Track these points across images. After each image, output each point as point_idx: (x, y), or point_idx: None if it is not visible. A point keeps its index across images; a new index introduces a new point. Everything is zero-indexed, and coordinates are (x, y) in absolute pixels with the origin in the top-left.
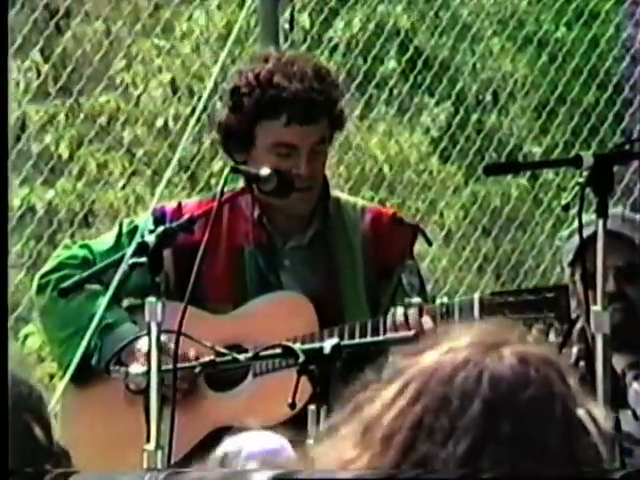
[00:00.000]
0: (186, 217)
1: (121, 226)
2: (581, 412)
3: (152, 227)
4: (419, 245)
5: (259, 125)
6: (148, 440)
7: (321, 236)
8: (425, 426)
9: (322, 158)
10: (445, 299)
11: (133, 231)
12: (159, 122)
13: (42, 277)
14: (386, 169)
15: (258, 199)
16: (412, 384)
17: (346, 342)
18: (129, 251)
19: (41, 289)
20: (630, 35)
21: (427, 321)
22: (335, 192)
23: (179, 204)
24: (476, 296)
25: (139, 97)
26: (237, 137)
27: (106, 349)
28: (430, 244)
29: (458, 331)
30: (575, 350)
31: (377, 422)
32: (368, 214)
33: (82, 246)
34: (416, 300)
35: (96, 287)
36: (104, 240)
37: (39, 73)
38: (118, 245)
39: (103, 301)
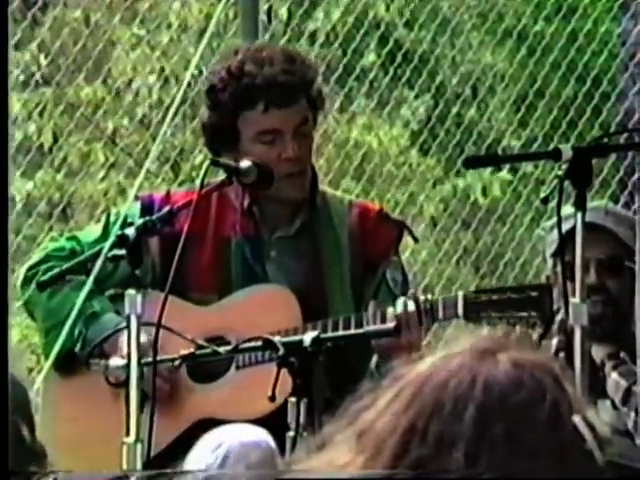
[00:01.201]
0: (166, 209)
1: (108, 216)
2: (577, 419)
3: (139, 215)
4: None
5: (240, 118)
6: (128, 433)
7: (308, 228)
8: (418, 431)
9: (307, 140)
10: (429, 296)
11: (124, 222)
12: (140, 113)
13: (29, 269)
14: (366, 162)
15: (248, 189)
16: (407, 389)
17: (326, 335)
18: (108, 243)
19: (27, 281)
20: (625, 29)
21: (412, 317)
22: (321, 186)
23: (168, 192)
24: (460, 294)
25: (120, 87)
26: (221, 135)
27: (90, 337)
28: (416, 241)
29: (458, 338)
30: (555, 341)
31: (371, 427)
32: (355, 209)
33: (69, 238)
34: (401, 297)
35: (82, 278)
36: (92, 231)
37: (18, 64)
38: (106, 236)
39: (84, 290)
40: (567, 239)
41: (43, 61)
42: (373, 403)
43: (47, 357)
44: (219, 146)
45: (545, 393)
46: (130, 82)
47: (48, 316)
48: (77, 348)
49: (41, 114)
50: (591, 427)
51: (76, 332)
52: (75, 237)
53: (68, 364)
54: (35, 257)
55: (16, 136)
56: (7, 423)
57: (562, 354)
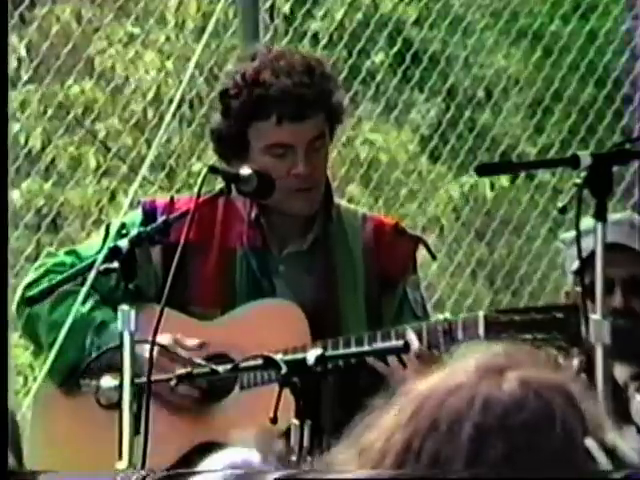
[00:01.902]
0: (161, 219)
1: (108, 227)
2: (590, 442)
3: (141, 222)
4: None
5: (251, 128)
6: (120, 457)
7: (321, 242)
8: (413, 450)
9: (321, 156)
10: (448, 315)
11: (120, 231)
12: (134, 115)
13: (26, 288)
14: (372, 169)
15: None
16: (407, 408)
17: (331, 352)
18: (100, 256)
19: (22, 301)
20: (629, 29)
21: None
22: (336, 198)
23: (172, 199)
24: (480, 314)
25: (113, 88)
26: (230, 143)
27: (103, 347)
28: (434, 257)
29: (468, 354)
30: (576, 362)
31: (371, 445)
32: (369, 223)
33: (69, 252)
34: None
35: (85, 290)
36: (91, 244)
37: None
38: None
39: (82, 301)
40: (588, 258)
41: (29, 59)
42: (376, 422)
43: (52, 373)
44: (228, 154)
45: (553, 414)
46: (124, 82)
47: (51, 330)
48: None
49: (28, 116)
50: (609, 451)
51: (87, 342)
52: (75, 251)
53: (74, 379)
54: (33, 274)
55: None
56: (7, 423)
57: (583, 375)
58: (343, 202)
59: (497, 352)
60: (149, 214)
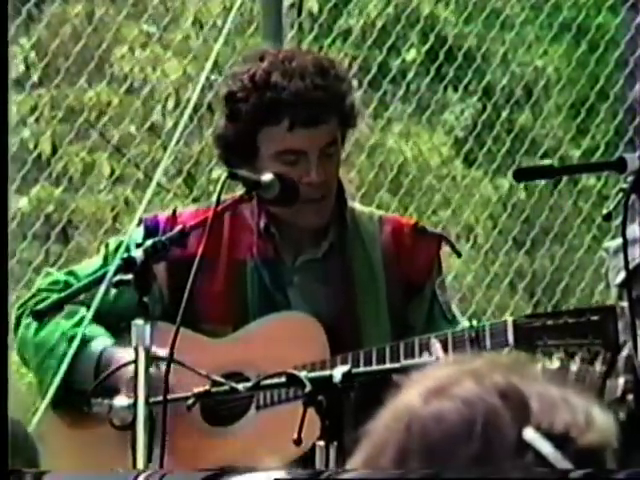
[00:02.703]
0: (178, 229)
1: (107, 246)
2: (530, 433)
3: (143, 239)
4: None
5: (260, 133)
6: None
7: (337, 249)
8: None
9: (334, 162)
10: (474, 322)
11: (121, 248)
12: (150, 119)
13: (20, 307)
14: (403, 174)
15: (265, 207)
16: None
17: (359, 370)
18: (112, 267)
19: (18, 321)
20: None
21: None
22: (350, 201)
23: (174, 212)
24: (509, 319)
25: (128, 91)
26: (238, 149)
27: (79, 365)
28: (459, 255)
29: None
30: (621, 382)
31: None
32: (387, 225)
33: (66, 273)
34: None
35: (73, 307)
36: (90, 263)
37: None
38: (106, 266)
39: (85, 322)
40: (635, 271)
41: (40, 61)
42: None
43: (43, 395)
44: (234, 161)
45: (473, 418)
46: (139, 85)
47: (38, 350)
48: (69, 379)
49: (37, 120)
50: (557, 437)
51: (65, 361)
52: (72, 272)
53: (66, 399)
54: (26, 295)
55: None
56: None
57: (630, 396)
58: (357, 205)
59: (439, 373)
60: (151, 230)
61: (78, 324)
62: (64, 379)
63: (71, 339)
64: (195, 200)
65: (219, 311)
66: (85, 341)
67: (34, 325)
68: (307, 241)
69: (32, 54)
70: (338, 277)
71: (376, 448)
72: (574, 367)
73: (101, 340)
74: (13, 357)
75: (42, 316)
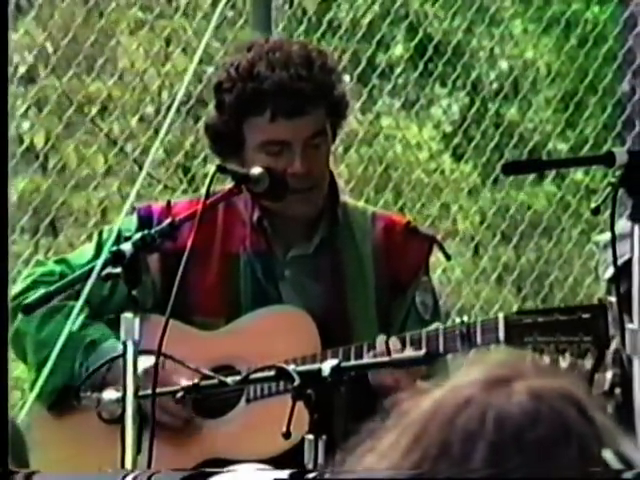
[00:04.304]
0: (167, 221)
1: (101, 234)
2: (608, 454)
3: (136, 229)
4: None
5: (245, 123)
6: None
7: (328, 244)
8: (425, 475)
9: (321, 153)
10: (465, 318)
11: (117, 239)
12: (140, 111)
13: (14, 299)
14: (392, 169)
15: (258, 200)
16: (410, 429)
17: (348, 363)
18: (100, 261)
19: (12, 313)
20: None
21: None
22: (342, 196)
23: (168, 203)
24: (501, 316)
25: (118, 79)
26: (225, 138)
27: (92, 368)
28: (448, 258)
29: (468, 365)
30: (609, 375)
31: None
32: (379, 222)
33: (58, 261)
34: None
35: (73, 303)
36: (83, 252)
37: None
38: (99, 256)
39: (79, 317)
40: (625, 267)
41: (29, 52)
42: (375, 446)
43: (39, 395)
44: (223, 151)
45: (568, 428)
46: (131, 75)
47: (39, 349)
48: (79, 382)
49: (26, 112)
50: (626, 462)
51: (76, 365)
52: (65, 260)
53: (63, 401)
54: (19, 286)
55: None
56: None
57: (618, 390)
58: (350, 200)
59: (500, 362)
60: (144, 220)
61: (83, 326)
62: (70, 382)
63: (78, 344)
64: (184, 192)
65: (211, 303)
66: (95, 343)
67: (35, 321)
68: (299, 235)
69: (21, 45)
70: (329, 272)
71: (447, 444)
72: (564, 364)
73: (111, 343)
74: None
75: (31, 310)
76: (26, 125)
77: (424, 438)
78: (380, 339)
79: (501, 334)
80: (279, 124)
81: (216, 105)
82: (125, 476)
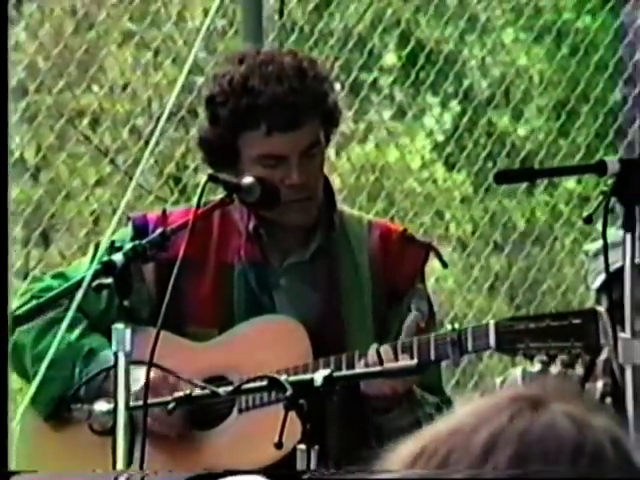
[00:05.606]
0: (158, 232)
1: (97, 246)
2: None
3: (131, 239)
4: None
5: (240, 137)
6: None
7: (324, 252)
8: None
9: (317, 162)
10: (456, 325)
11: (110, 249)
12: (130, 122)
13: (12, 316)
14: (384, 178)
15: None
16: (439, 452)
17: (340, 373)
18: (90, 271)
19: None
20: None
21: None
22: (339, 204)
23: (164, 212)
24: (491, 322)
25: (109, 90)
26: (220, 151)
27: (90, 375)
28: (445, 266)
29: (492, 389)
30: (600, 385)
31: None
32: (375, 230)
33: (55, 276)
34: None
35: (73, 315)
36: (79, 265)
37: None
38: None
39: (67, 327)
40: (616, 275)
41: (18, 64)
42: (388, 469)
43: (38, 405)
44: (218, 163)
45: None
46: (121, 87)
47: (36, 360)
48: (82, 390)
49: (15, 122)
50: None
51: (76, 372)
52: (62, 274)
53: (60, 411)
54: (18, 301)
55: None
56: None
57: (609, 399)
58: (347, 208)
59: (529, 387)
60: (139, 229)
61: (81, 336)
62: (66, 393)
63: (77, 353)
64: (176, 202)
65: (205, 314)
66: (94, 352)
67: (32, 334)
68: (295, 243)
69: (12, 57)
70: (324, 281)
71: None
72: (555, 370)
73: (109, 353)
74: None
75: (22, 322)
76: (17, 138)
77: (453, 463)
78: (372, 348)
79: (492, 340)
80: (275, 138)
81: (209, 118)
82: (117, 477)
